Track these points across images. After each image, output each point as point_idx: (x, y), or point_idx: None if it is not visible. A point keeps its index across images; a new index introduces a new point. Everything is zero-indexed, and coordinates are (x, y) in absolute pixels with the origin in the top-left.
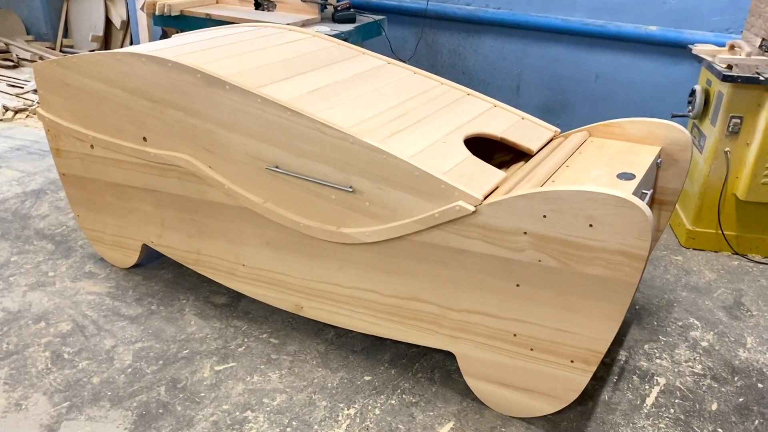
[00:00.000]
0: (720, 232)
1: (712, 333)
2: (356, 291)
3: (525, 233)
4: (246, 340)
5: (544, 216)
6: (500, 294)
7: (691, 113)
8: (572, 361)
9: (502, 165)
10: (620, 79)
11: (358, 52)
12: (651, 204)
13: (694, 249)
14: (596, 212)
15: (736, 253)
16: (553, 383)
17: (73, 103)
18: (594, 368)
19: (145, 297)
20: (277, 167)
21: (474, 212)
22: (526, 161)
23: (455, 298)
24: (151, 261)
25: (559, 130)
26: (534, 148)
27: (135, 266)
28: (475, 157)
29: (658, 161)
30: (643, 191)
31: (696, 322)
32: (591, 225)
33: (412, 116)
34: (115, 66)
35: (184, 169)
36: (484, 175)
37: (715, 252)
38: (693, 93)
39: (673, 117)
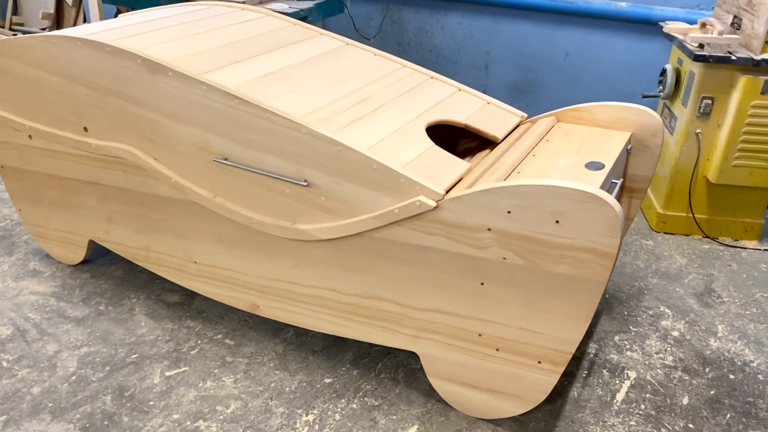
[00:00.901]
0: (691, 215)
1: (683, 322)
2: (314, 290)
3: (489, 230)
4: (199, 341)
5: (509, 212)
6: (464, 292)
7: (661, 93)
8: (539, 362)
9: (467, 152)
10: (590, 57)
11: (314, 33)
12: (621, 192)
13: (665, 233)
14: (562, 208)
15: (707, 237)
16: (520, 384)
17: (7, 91)
18: (562, 369)
19: (92, 296)
20: (225, 159)
21: (435, 208)
22: (492, 149)
23: (417, 296)
24: (100, 257)
25: (525, 115)
26: (500, 135)
27: (83, 263)
28: (438, 147)
29: (629, 147)
30: (613, 181)
31: (667, 310)
32: (557, 221)
33: (372, 103)
34: (50, 50)
35: (128, 162)
36: (446, 166)
37: (686, 236)
38: (664, 72)
39: (644, 97)
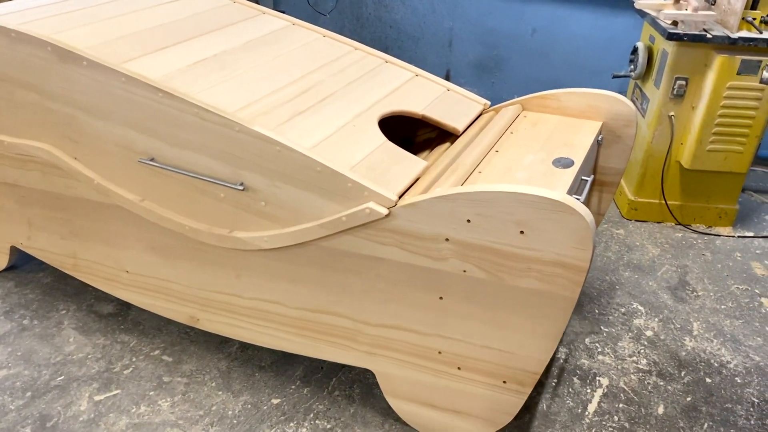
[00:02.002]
0: (663, 202)
1: (656, 320)
2: (258, 302)
3: (447, 240)
4: (134, 359)
5: (468, 221)
6: (421, 307)
7: (633, 73)
8: (504, 382)
9: (427, 144)
10: (558, 33)
11: (256, 12)
12: (592, 186)
13: (636, 221)
14: (527, 217)
15: (680, 224)
16: (484, 405)
17: None
18: (529, 389)
19: (16, 309)
20: (152, 160)
21: (387, 216)
22: (452, 142)
23: (371, 311)
24: (27, 263)
25: (488, 103)
26: (460, 126)
27: (8, 269)
28: (391, 144)
29: (599, 138)
30: (583, 178)
31: (640, 307)
32: (522, 232)
33: (318, 93)
34: None
35: (45, 161)
36: (400, 166)
37: (658, 223)
38: (635, 51)
39: (614, 77)
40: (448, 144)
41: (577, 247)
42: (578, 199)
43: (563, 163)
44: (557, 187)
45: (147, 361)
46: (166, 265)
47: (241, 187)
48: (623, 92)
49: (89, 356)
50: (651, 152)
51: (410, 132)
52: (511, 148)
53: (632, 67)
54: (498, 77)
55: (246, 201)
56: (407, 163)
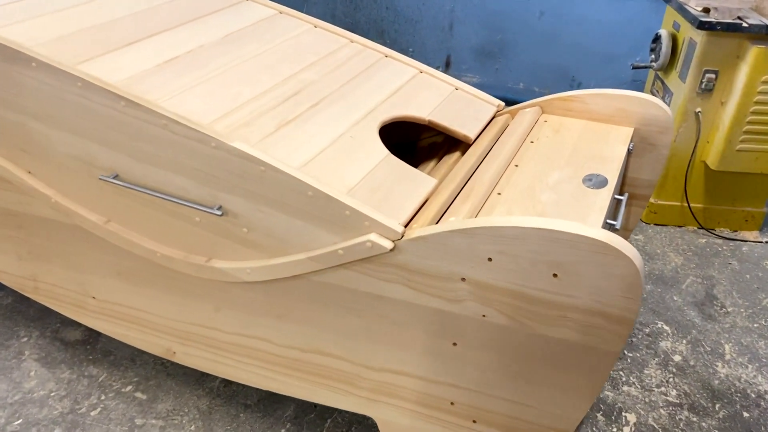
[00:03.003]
0: (686, 204)
1: (684, 342)
2: (241, 338)
3: (463, 279)
4: (103, 396)
5: (489, 259)
6: (432, 353)
7: (654, 64)
8: None
9: (431, 150)
10: (568, 15)
11: None
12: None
13: (656, 224)
14: (563, 258)
15: (702, 227)
16: None
17: None
18: None
19: None
20: (116, 177)
21: (392, 250)
22: (463, 151)
23: (373, 354)
24: None
25: (502, 104)
26: (472, 134)
27: None
28: (395, 158)
29: (630, 146)
30: (617, 197)
31: (665, 327)
32: (555, 275)
33: (309, 96)
34: None
35: None
36: (406, 186)
37: (679, 227)
38: (657, 39)
39: (634, 68)
40: (458, 154)
41: (623, 296)
42: (614, 224)
43: (596, 182)
44: (592, 214)
45: (118, 400)
46: (137, 293)
47: (218, 212)
48: (640, 82)
49: (52, 394)
50: (674, 151)
51: (413, 134)
52: (533, 161)
53: (653, 56)
54: (502, 63)
55: (225, 227)
56: (414, 181)
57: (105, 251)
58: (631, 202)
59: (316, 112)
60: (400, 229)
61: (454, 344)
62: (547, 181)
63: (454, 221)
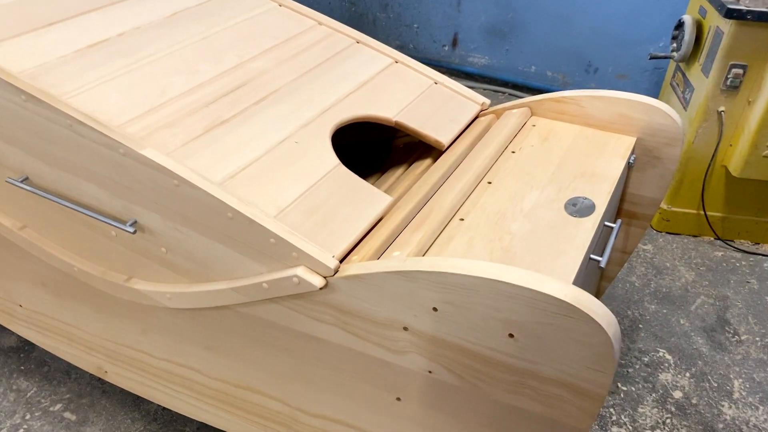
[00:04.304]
0: (702, 212)
1: (687, 375)
2: (171, 365)
3: (405, 329)
4: (28, 416)
5: (435, 309)
6: (373, 406)
7: (675, 54)
8: None
9: (408, 151)
10: None
11: None
12: (617, 217)
13: (668, 233)
14: (521, 317)
15: (719, 239)
16: None
17: None
18: None
19: None
20: (26, 179)
21: (324, 288)
22: (435, 159)
23: (309, 398)
24: None
25: (487, 102)
26: (445, 139)
27: None
28: (345, 170)
29: (631, 159)
30: (607, 225)
31: (667, 356)
32: (512, 335)
33: (253, 90)
34: None
35: None
36: (354, 206)
37: (694, 237)
38: (680, 25)
39: (652, 58)
40: (429, 161)
41: (592, 367)
42: (599, 261)
43: (581, 207)
44: (568, 252)
45: (44, 420)
46: (63, 307)
47: (131, 229)
48: (663, 70)
49: None
50: (692, 153)
51: (390, 131)
52: (510, 177)
53: (675, 45)
54: (513, 44)
55: (143, 245)
56: (364, 200)
57: (25, 259)
58: (630, 221)
59: (259, 111)
60: (333, 263)
61: (398, 399)
62: (522, 204)
63: (397, 258)
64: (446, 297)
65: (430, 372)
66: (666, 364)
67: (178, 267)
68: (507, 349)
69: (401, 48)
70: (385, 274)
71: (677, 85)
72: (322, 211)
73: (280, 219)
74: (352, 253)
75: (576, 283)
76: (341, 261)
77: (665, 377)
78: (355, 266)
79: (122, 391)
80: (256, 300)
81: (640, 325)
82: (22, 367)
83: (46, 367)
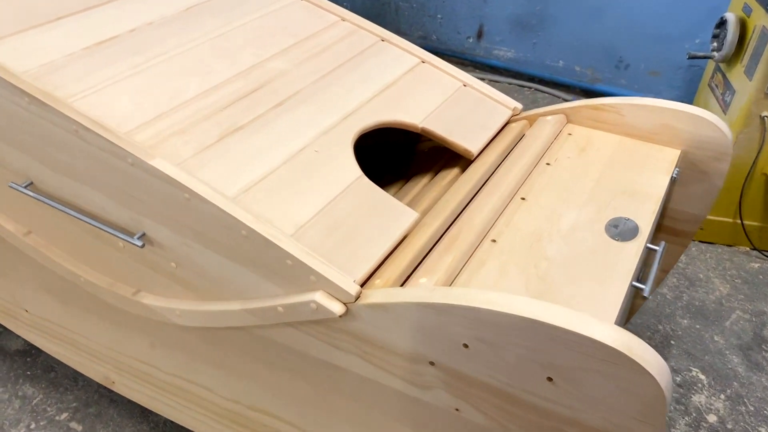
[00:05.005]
0: (739, 221)
1: (723, 397)
2: (181, 381)
3: (432, 363)
4: (33, 425)
5: (465, 345)
6: None
7: (716, 54)
8: None
9: (431, 158)
10: None
11: None
12: (657, 234)
13: (702, 242)
14: (562, 360)
15: (756, 249)
16: None
17: None
18: None
19: None
20: (30, 185)
21: (344, 315)
22: (464, 168)
23: (324, 425)
24: None
25: (519, 107)
26: (475, 147)
27: None
28: (368, 182)
29: (674, 173)
30: (650, 247)
31: (701, 375)
32: (550, 379)
33: (271, 93)
34: None
35: None
36: (376, 223)
37: (729, 247)
38: (722, 23)
39: (691, 58)
40: (457, 171)
41: (640, 420)
42: (642, 288)
43: (623, 229)
44: (612, 283)
45: (49, 430)
46: (69, 314)
47: (139, 243)
48: (698, 68)
49: None
50: (732, 160)
51: (412, 135)
52: (546, 193)
53: (715, 44)
54: (541, 37)
55: (152, 258)
56: (388, 216)
57: (30, 265)
58: (671, 239)
59: (277, 116)
60: (354, 289)
61: None
62: (559, 224)
63: (424, 285)
64: (479, 334)
65: (457, 410)
66: (699, 385)
67: (188, 283)
68: (545, 393)
69: (424, 39)
70: (411, 305)
71: (716, 86)
72: (342, 229)
73: (297, 238)
74: (374, 276)
75: (619, 315)
76: (363, 285)
77: (699, 399)
78: (379, 293)
79: (130, 400)
80: (269, 324)
81: (672, 342)
82: (29, 372)
83: (53, 373)
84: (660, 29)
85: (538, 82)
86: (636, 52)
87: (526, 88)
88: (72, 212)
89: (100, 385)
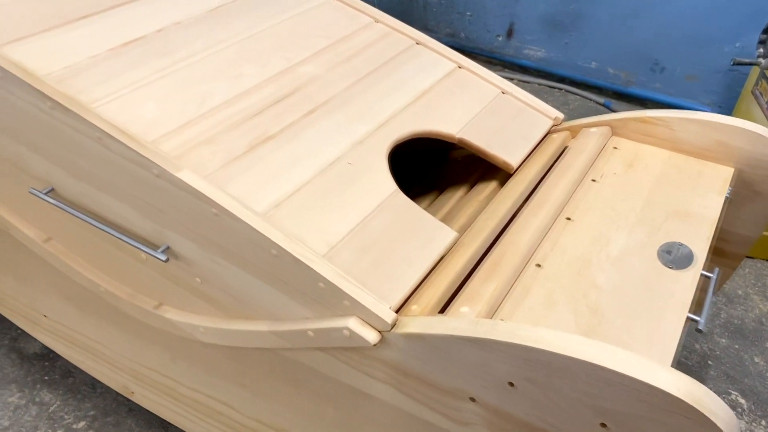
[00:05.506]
0: None
1: (764, 423)
2: (202, 396)
3: (473, 400)
4: None
5: (511, 384)
6: None
7: (762, 60)
8: None
9: (466, 169)
10: None
11: None
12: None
13: None
14: (617, 407)
15: None
16: None
17: None
18: None
19: None
20: (51, 191)
21: (379, 344)
22: (503, 182)
23: None
24: None
25: (561, 116)
26: (515, 160)
27: None
28: (404, 198)
29: (727, 193)
30: (705, 274)
31: (740, 399)
32: (604, 425)
33: (303, 100)
34: None
35: None
36: (412, 243)
37: None
38: None
39: (735, 65)
40: (495, 184)
41: None
42: (698, 322)
43: (677, 256)
44: (667, 319)
45: None
46: (89, 323)
47: (163, 257)
48: (739, 73)
49: None
50: None
51: (444, 142)
52: (592, 213)
53: (762, 51)
54: (573, 37)
55: (176, 272)
56: (425, 235)
57: (49, 271)
58: (719, 261)
59: (308, 125)
60: (390, 317)
61: None
62: (608, 248)
63: (466, 316)
64: (527, 374)
65: None
66: (739, 410)
67: (213, 300)
68: None
69: (452, 36)
70: (452, 338)
71: (761, 94)
72: (377, 249)
73: (330, 258)
74: (410, 300)
75: (676, 353)
76: (398, 310)
77: (739, 425)
78: (416, 321)
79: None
80: (299, 347)
81: (710, 362)
82: (46, 377)
83: (71, 378)
84: (699, 31)
85: (569, 83)
86: (672, 55)
87: (556, 90)
88: (93, 221)
89: (118, 393)
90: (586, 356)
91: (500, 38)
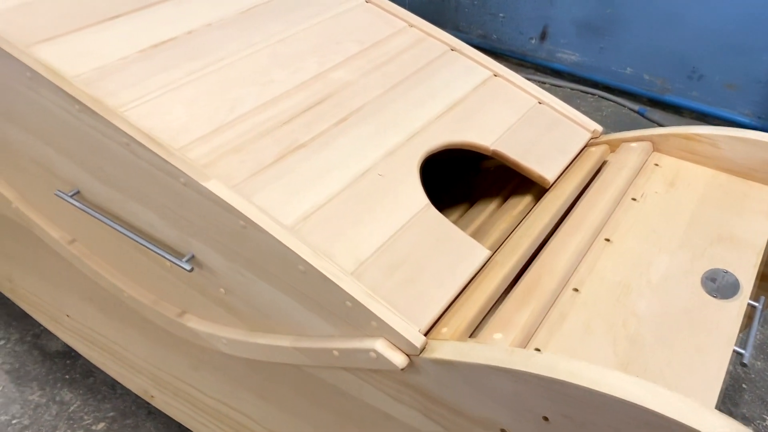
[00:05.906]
0: None
1: None
2: (224, 407)
3: (503, 431)
4: None
5: (545, 419)
6: None
7: None
8: None
9: (498, 180)
10: None
11: None
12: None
13: None
14: None
15: None
16: None
17: None
18: None
19: None
20: (76, 194)
21: (407, 368)
22: (538, 196)
23: None
24: None
25: (600, 129)
26: (551, 175)
27: None
28: (435, 213)
29: None
30: (752, 303)
31: None
32: None
33: (335, 107)
34: None
35: None
36: (443, 261)
37: None
38: None
39: None
40: (529, 199)
41: None
42: (742, 355)
43: (721, 284)
44: (711, 352)
45: None
46: (111, 326)
47: (188, 266)
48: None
49: (14, 421)
50: None
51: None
52: (632, 234)
53: None
54: (609, 42)
55: (200, 281)
56: (456, 252)
57: (73, 272)
58: (762, 286)
59: (339, 133)
60: (419, 340)
61: None
62: (649, 273)
63: (499, 344)
64: (563, 409)
65: None
66: None
67: (237, 311)
68: None
69: (483, 38)
70: (484, 367)
71: None
72: (407, 266)
73: (358, 275)
74: (440, 322)
75: (722, 390)
76: (427, 332)
77: None
78: (447, 347)
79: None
80: (323, 366)
81: (744, 385)
82: (67, 376)
83: (92, 378)
84: (740, 39)
85: (602, 88)
86: (711, 63)
87: (589, 95)
88: (118, 226)
89: (138, 395)
90: (627, 395)
91: (533, 41)
